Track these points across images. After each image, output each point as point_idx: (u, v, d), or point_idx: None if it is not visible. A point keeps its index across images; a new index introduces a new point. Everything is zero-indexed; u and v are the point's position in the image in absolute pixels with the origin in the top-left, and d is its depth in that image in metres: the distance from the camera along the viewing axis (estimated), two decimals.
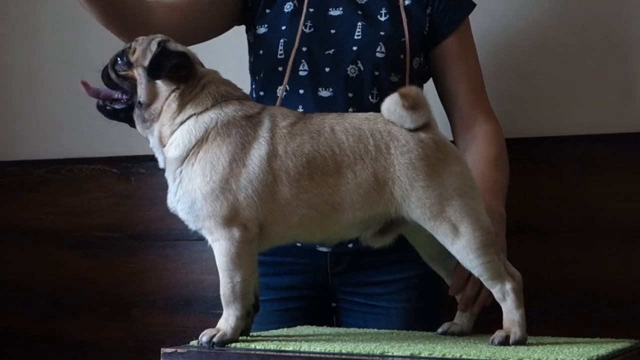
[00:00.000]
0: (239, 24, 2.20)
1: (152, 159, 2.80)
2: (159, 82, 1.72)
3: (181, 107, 1.70)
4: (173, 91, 1.71)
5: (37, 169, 3.06)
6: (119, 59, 1.76)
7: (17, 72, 3.15)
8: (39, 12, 3.11)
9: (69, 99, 3.05)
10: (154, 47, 1.73)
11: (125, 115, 1.77)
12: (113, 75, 1.76)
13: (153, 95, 1.72)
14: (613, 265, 2.43)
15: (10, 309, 3.09)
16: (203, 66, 1.80)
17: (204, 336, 1.64)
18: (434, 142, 1.68)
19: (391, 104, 1.69)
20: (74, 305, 3.00)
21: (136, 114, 1.75)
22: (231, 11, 2.15)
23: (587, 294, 2.45)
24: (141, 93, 1.72)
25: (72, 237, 3.00)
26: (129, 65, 1.74)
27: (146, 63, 1.72)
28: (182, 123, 1.70)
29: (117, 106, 1.77)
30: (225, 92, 1.73)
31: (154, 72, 1.70)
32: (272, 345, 1.61)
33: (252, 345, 1.62)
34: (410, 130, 1.68)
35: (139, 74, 1.73)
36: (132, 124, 1.77)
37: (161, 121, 1.72)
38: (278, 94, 2.05)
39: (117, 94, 1.76)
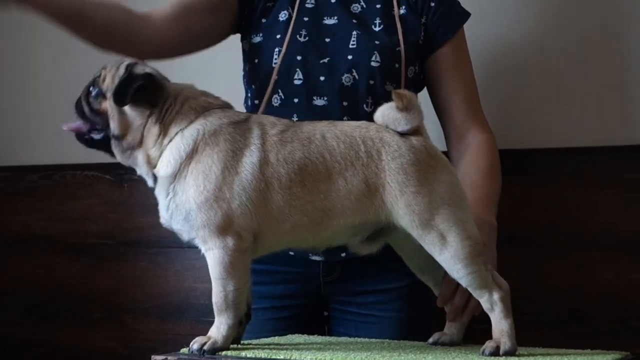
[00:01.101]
0: (234, 33, 2.20)
1: None
2: (129, 111, 1.70)
3: (165, 128, 1.69)
4: (149, 116, 1.70)
5: (30, 174, 3.06)
6: (91, 88, 1.74)
7: (11, 77, 3.15)
8: (33, 19, 3.10)
9: (62, 105, 3.02)
10: (122, 71, 1.71)
11: (103, 144, 1.74)
12: (86, 109, 1.74)
13: (126, 126, 1.70)
14: (604, 276, 2.43)
15: (2, 315, 3.09)
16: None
17: (195, 344, 1.64)
18: (426, 149, 1.69)
19: (385, 108, 1.71)
20: (66, 311, 3.00)
21: (114, 145, 1.72)
22: (228, 20, 2.14)
23: (578, 305, 2.45)
24: (114, 126, 1.70)
25: (64, 243, 3.00)
26: (102, 95, 1.72)
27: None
28: (169, 142, 1.69)
29: (95, 136, 1.74)
30: (205, 103, 1.72)
31: (119, 99, 1.68)
32: (263, 354, 1.61)
33: (243, 354, 1.62)
34: (403, 133, 1.69)
35: (110, 105, 1.70)
36: (112, 154, 1.75)
37: (146, 146, 1.70)
38: (273, 103, 2.05)
39: (97, 125, 1.73)
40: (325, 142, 1.68)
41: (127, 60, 1.74)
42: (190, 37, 2.10)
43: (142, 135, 1.70)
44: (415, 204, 1.65)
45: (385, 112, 1.70)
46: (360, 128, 1.71)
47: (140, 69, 1.71)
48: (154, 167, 1.70)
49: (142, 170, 1.73)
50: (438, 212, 1.65)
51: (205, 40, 2.16)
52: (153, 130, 1.69)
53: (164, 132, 1.69)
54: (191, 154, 1.66)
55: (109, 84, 1.71)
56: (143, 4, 2.08)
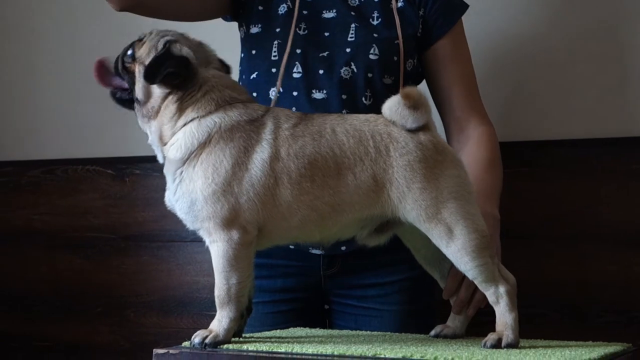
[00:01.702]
0: (231, 18, 2.19)
1: (146, 160, 2.82)
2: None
3: (181, 110, 1.70)
4: (168, 94, 1.71)
5: (31, 169, 3.06)
6: (129, 49, 1.76)
7: (13, 72, 3.15)
8: (36, 14, 3.11)
9: (64, 100, 3.05)
10: (160, 46, 1.73)
11: (130, 105, 1.78)
12: (120, 66, 1.76)
13: (148, 94, 1.72)
14: (605, 269, 2.43)
15: (3, 310, 3.09)
16: (224, 63, 1.80)
17: (197, 337, 1.64)
18: (433, 145, 1.68)
19: (393, 104, 1.70)
20: (67, 305, 3.00)
21: (136, 108, 1.75)
22: (217, 2, 2.14)
23: (579, 298, 2.45)
24: (138, 90, 1.73)
25: (66, 238, 3.00)
26: (134, 59, 1.74)
27: (147, 62, 1.71)
28: (184, 125, 1.69)
29: (123, 96, 1.77)
30: (229, 97, 1.72)
31: (149, 76, 1.70)
32: (264, 347, 1.61)
33: (245, 347, 1.62)
34: (411, 130, 1.68)
35: (138, 71, 1.73)
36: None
37: (160, 120, 1.72)
38: (271, 96, 2.05)
39: (126, 84, 1.77)
40: (336, 137, 1.68)
41: (169, 35, 1.75)
42: (174, 2, 2.09)
43: (158, 108, 1.72)
44: (422, 199, 1.65)
45: (393, 108, 1.69)
46: (369, 122, 1.70)
47: (177, 49, 1.72)
48: (165, 144, 1.71)
49: (153, 142, 1.75)
50: (445, 206, 1.65)
51: (188, 12, 2.15)
52: (170, 107, 1.71)
53: (179, 113, 1.70)
54: (204, 145, 1.67)
55: (144, 52, 1.74)
56: None
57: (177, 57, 1.71)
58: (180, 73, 1.69)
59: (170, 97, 1.70)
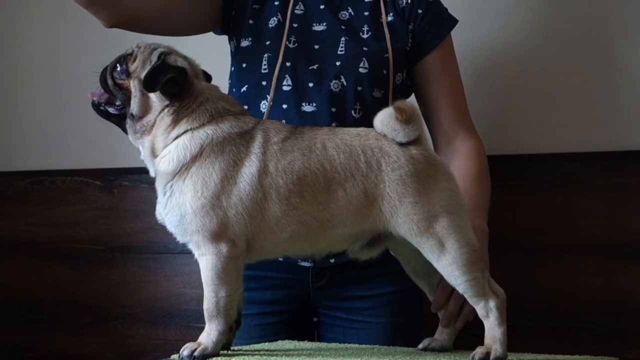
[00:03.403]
0: (222, 32, 2.19)
1: (135, 171, 2.81)
2: (152, 96, 1.70)
3: (176, 122, 1.70)
4: (166, 106, 1.70)
5: (19, 180, 3.06)
6: (118, 64, 1.75)
7: (1, 83, 3.14)
8: (23, 25, 3.11)
9: (52, 111, 3.05)
10: (154, 58, 1.72)
11: (116, 120, 1.76)
12: (110, 82, 1.75)
13: (145, 109, 1.72)
14: (592, 281, 2.45)
15: None
16: (210, 78, 1.81)
17: (185, 350, 1.63)
18: (425, 158, 1.69)
19: (385, 117, 1.70)
20: (55, 316, 2.99)
21: (128, 124, 1.74)
22: (210, 12, 2.14)
23: (566, 311, 2.46)
24: (134, 105, 1.72)
25: (54, 248, 3.00)
26: (127, 74, 1.73)
27: (143, 75, 1.71)
28: (176, 137, 1.69)
29: (110, 110, 1.76)
30: (222, 109, 1.72)
31: (148, 85, 1.69)
32: None
33: None
34: (401, 143, 1.69)
35: (134, 85, 1.72)
36: (124, 130, 1.76)
37: (154, 134, 1.71)
38: (261, 108, 2.06)
39: (116, 100, 1.75)
40: (326, 152, 1.68)
41: (161, 48, 1.75)
42: (165, 18, 2.09)
43: (154, 122, 1.71)
44: (414, 213, 1.65)
45: (385, 121, 1.70)
46: (360, 137, 1.71)
47: (172, 60, 1.73)
48: (156, 156, 1.71)
49: (145, 156, 1.74)
50: (437, 219, 1.65)
51: (183, 25, 2.15)
52: (165, 120, 1.70)
53: (174, 124, 1.70)
54: (195, 157, 1.67)
55: (138, 66, 1.73)
56: None
57: (175, 67, 1.71)
58: (180, 81, 1.70)
59: (166, 110, 1.70)
